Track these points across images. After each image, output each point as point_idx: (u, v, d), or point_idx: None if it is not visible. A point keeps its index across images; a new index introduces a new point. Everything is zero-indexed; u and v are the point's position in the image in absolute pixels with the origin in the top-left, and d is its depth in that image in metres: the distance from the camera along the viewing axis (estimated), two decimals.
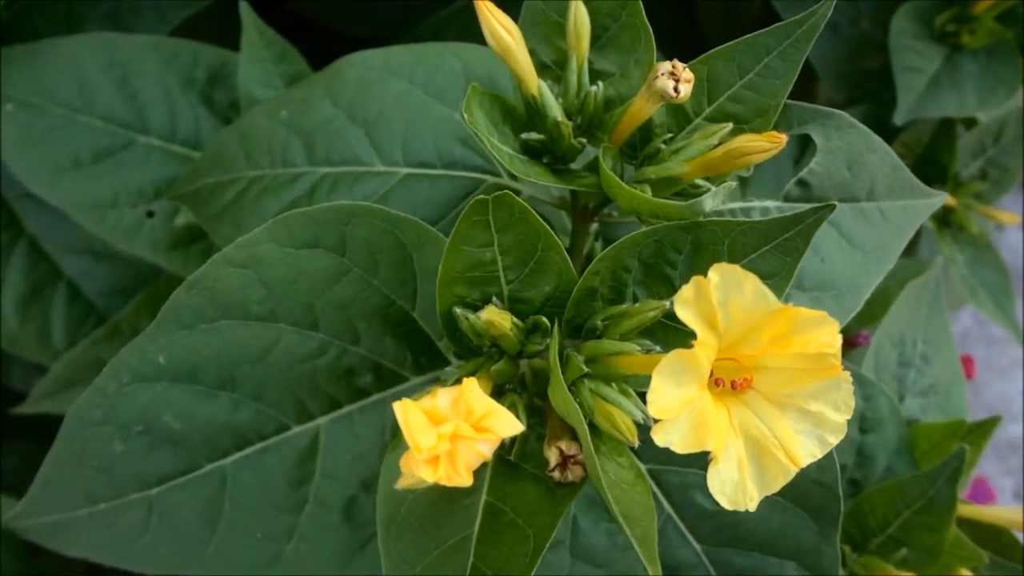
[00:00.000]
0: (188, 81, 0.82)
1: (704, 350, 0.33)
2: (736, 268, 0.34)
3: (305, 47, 0.84)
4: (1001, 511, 0.69)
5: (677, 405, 0.33)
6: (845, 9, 1.00)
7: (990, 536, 0.70)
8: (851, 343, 0.91)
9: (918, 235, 1.07)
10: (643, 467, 0.51)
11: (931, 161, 1.00)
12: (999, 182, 1.04)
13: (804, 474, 0.50)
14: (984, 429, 0.72)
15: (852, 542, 0.65)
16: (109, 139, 0.79)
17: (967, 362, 0.94)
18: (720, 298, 0.34)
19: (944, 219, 1.04)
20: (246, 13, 0.80)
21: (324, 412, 0.51)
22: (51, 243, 0.86)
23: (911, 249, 1.06)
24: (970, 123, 1.03)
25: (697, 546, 0.52)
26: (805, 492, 0.51)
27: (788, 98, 0.53)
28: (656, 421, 0.33)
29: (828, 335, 0.34)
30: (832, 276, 0.54)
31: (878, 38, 0.98)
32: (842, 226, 0.55)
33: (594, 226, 0.61)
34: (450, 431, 0.32)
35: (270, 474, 0.51)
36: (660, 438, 0.33)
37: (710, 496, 0.50)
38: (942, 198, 0.58)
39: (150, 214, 0.79)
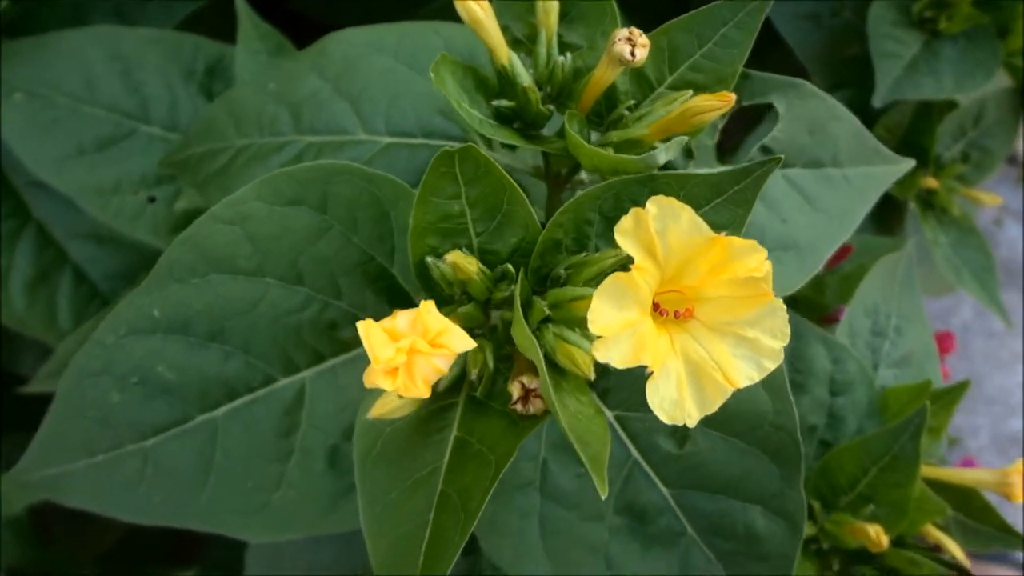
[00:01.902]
0: (188, 73, 0.85)
1: (642, 274, 0.36)
2: (672, 200, 0.36)
3: (304, 45, 0.87)
4: (969, 472, 0.71)
5: (617, 325, 0.36)
6: (827, 0, 1.03)
7: (961, 499, 0.72)
8: (831, 319, 0.93)
9: (902, 217, 1.10)
10: (610, 414, 0.54)
11: (912, 144, 1.02)
12: (980, 164, 1.07)
13: (763, 418, 0.53)
14: (953, 395, 0.74)
15: (822, 499, 0.68)
16: (113, 128, 0.82)
17: (946, 338, 0.96)
18: (658, 228, 0.36)
19: (927, 202, 1.06)
20: (242, 7, 0.83)
21: (309, 365, 0.54)
22: (58, 229, 0.90)
23: (896, 229, 1.08)
24: (951, 106, 1.05)
25: (664, 489, 0.55)
26: (764, 436, 0.53)
27: None
28: (598, 338, 0.36)
29: (757, 260, 0.37)
30: (794, 237, 0.57)
31: (859, 27, 1.00)
32: (805, 189, 0.58)
33: (579, 192, 0.64)
34: (407, 345, 0.35)
35: (259, 425, 0.54)
36: (601, 354, 0.36)
37: (674, 440, 0.54)
38: (908, 164, 0.61)
39: (152, 200, 0.82)
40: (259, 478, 0.55)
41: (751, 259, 0.37)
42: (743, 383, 0.38)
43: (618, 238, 0.36)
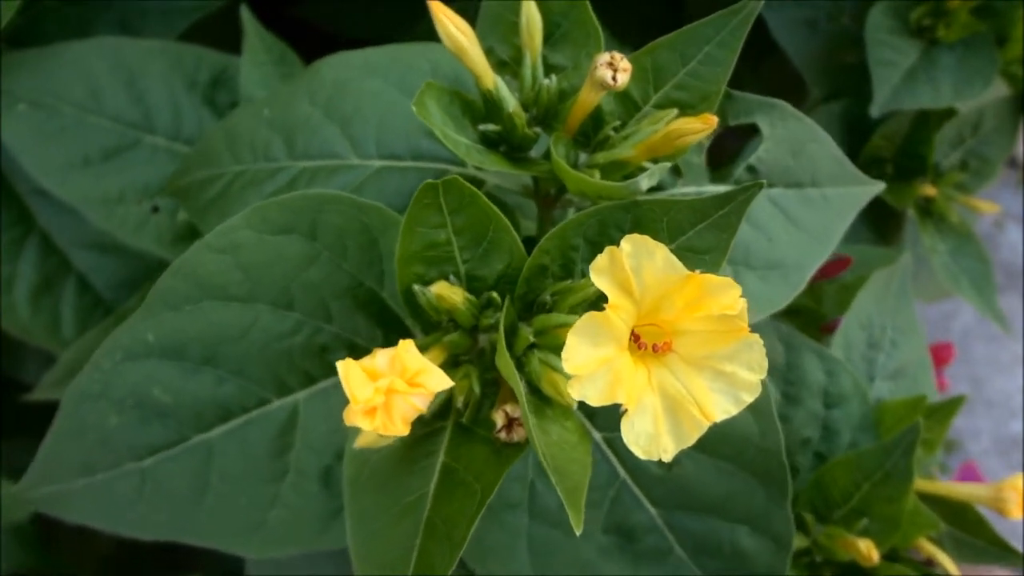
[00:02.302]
0: (192, 83, 0.86)
1: (617, 312, 0.37)
2: (647, 238, 0.37)
3: (308, 51, 0.87)
4: (963, 487, 0.72)
5: (592, 363, 0.36)
6: (824, 5, 1.03)
7: (955, 513, 0.73)
8: (829, 328, 0.93)
9: (901, 225, 1.10)
10: (598, 435, 0.55)
11: (910, 153, 1.02)
12: (979, 172, 1.07)
13: (749, 441, 0.53)
14: (948, 409, 0.74)
15: (816, 512, 0.68)
16: (117, 138, 0.83)
17: (945, 349, 0.96)
18: (633, 266, 0.37)
19: (926, 209, 1.06)
20: (247, 19, 0.84)
21: (302, 387, 0.55)
22: (62, 238, 0.91)
23: (894, 238, 1.09)
24: (949, 114, 1.05)
25: (652, 510, 0.55)
26: (750, 458, 0.54)
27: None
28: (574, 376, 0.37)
29: (730, 298, 0.37)
30: (779, 256, 0.58)
31: (857, 34, 1.00)
32: (788, 210, 0.59)
33: (570, 211, 0.65)
34: (385, 386, 0.36)
35: (253, 445, 0.55)
36: (576, 392, 0.36)
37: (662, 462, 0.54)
38: (880, 186, 0.62)
39: (155, 209, 0.83)
40: (254, 497, 0.56)
41: (725, 296, 0.37)
42: (719, 417, 0.39)
43: (593, 276, 0.37)
